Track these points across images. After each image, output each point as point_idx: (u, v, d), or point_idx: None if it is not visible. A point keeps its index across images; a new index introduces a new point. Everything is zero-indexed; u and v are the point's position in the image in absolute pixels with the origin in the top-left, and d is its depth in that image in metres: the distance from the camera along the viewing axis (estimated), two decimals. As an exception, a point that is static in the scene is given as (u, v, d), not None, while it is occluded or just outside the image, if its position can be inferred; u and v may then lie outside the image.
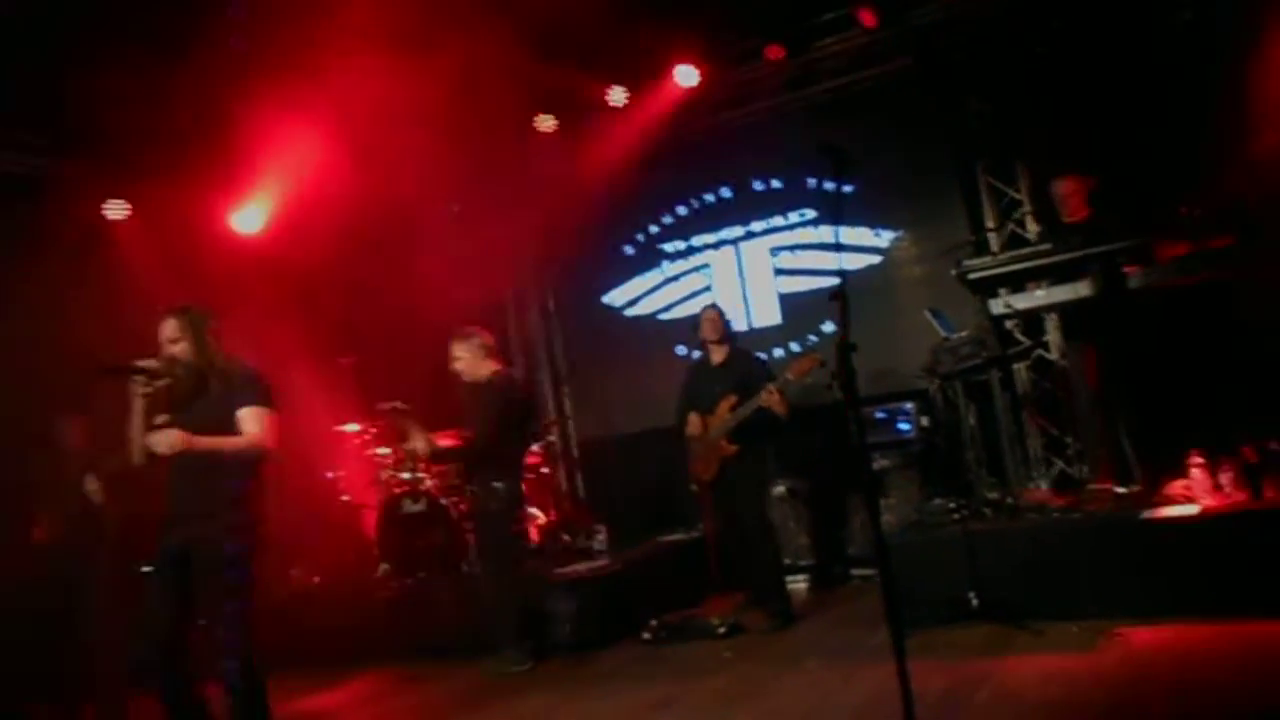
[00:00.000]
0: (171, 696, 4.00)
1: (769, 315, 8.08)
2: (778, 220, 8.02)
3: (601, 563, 6.65)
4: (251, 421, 4.05)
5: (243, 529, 4.03)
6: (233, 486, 4.02)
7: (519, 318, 9.28)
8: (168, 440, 3.84)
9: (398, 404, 6.03)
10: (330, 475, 7.75)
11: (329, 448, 7.71)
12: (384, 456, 7.43)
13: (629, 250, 8.69)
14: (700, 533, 6.68)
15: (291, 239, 7.75)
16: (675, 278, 8.50)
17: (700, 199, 8.39)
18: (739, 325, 7.69)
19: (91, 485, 5.64)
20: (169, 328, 4.12)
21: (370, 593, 6.94)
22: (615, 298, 8.75)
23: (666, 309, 8.50)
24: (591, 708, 4.93)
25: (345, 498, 7.73)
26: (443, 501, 7.02)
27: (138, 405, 4.03)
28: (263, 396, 4.11)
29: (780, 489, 7.19)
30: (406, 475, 7.23)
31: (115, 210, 7.23)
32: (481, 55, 5.87)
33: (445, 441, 5.94)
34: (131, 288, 6.79)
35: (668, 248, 8.54)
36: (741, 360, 6.15)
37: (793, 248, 7.96)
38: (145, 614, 4.04)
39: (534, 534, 7.35)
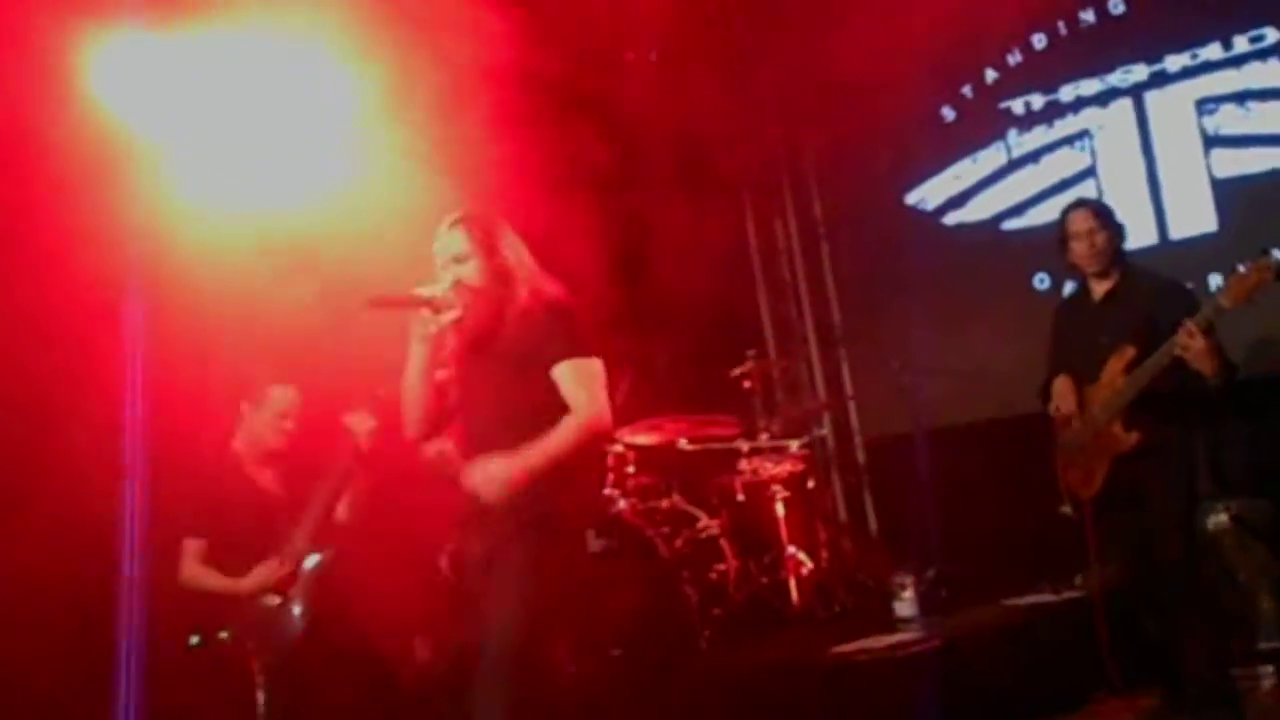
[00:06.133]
0: None
1: (1195, 218, 6.03)
2: (1211, 51, 5.93)
3: (910, 637, 5.09)
4: (573, 384, 3.44)
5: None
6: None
7: (762, 232, 7.21)
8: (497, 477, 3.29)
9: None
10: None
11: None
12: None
13: (949, 115, 6.68)
14: (1081, 589, 5.12)
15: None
16: (1030, 157, 6.49)
17: (1070, 21, 6.28)
18: (1143, 238, 5.94)
19: None
20: (455, 241, 3.51)
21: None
22: (926, 196, 6.83)
23: (1016, 212, 6.51)
24: None
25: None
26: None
27: (416, 353, 3.45)
28: (582, 341, 3.52)
29: (1220, 516, 5.32)
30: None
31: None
32: None
33: None
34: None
35: (1016, 106, 6.51)
36: (1142, 288, 4.57)
37: (1239, 97, 5.85)
38: None
39: (794, 591, 5.80)
